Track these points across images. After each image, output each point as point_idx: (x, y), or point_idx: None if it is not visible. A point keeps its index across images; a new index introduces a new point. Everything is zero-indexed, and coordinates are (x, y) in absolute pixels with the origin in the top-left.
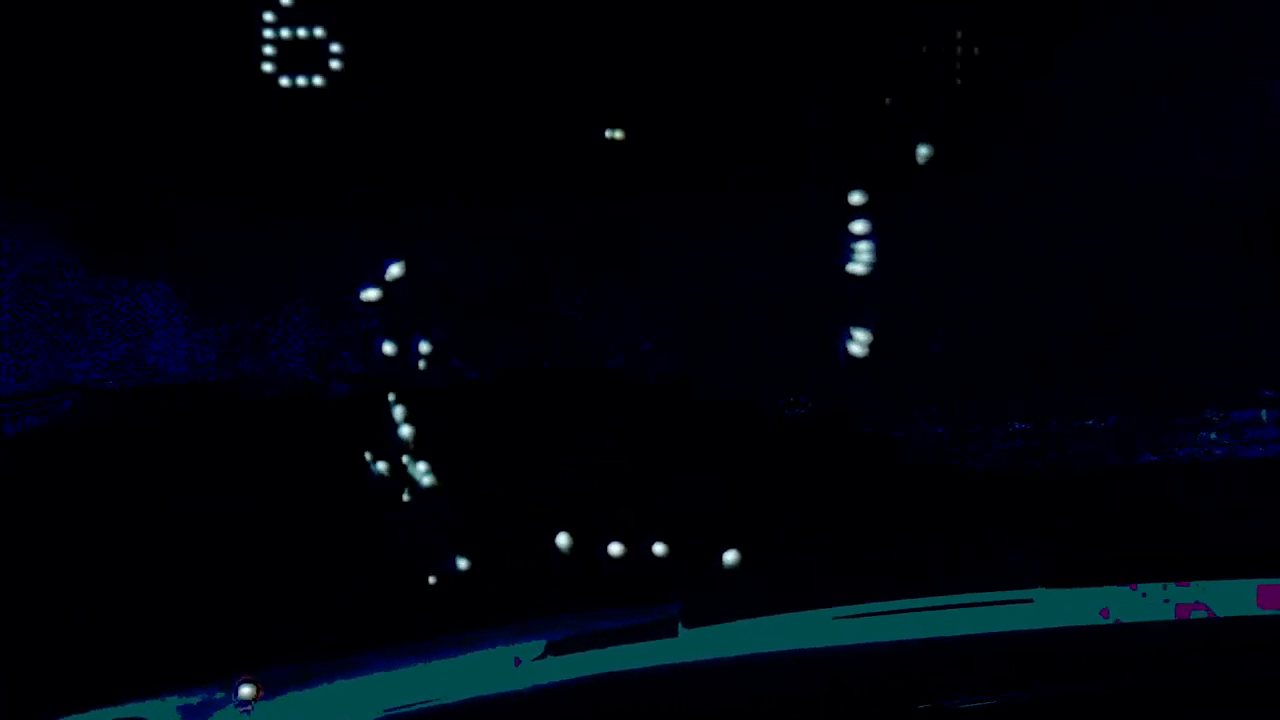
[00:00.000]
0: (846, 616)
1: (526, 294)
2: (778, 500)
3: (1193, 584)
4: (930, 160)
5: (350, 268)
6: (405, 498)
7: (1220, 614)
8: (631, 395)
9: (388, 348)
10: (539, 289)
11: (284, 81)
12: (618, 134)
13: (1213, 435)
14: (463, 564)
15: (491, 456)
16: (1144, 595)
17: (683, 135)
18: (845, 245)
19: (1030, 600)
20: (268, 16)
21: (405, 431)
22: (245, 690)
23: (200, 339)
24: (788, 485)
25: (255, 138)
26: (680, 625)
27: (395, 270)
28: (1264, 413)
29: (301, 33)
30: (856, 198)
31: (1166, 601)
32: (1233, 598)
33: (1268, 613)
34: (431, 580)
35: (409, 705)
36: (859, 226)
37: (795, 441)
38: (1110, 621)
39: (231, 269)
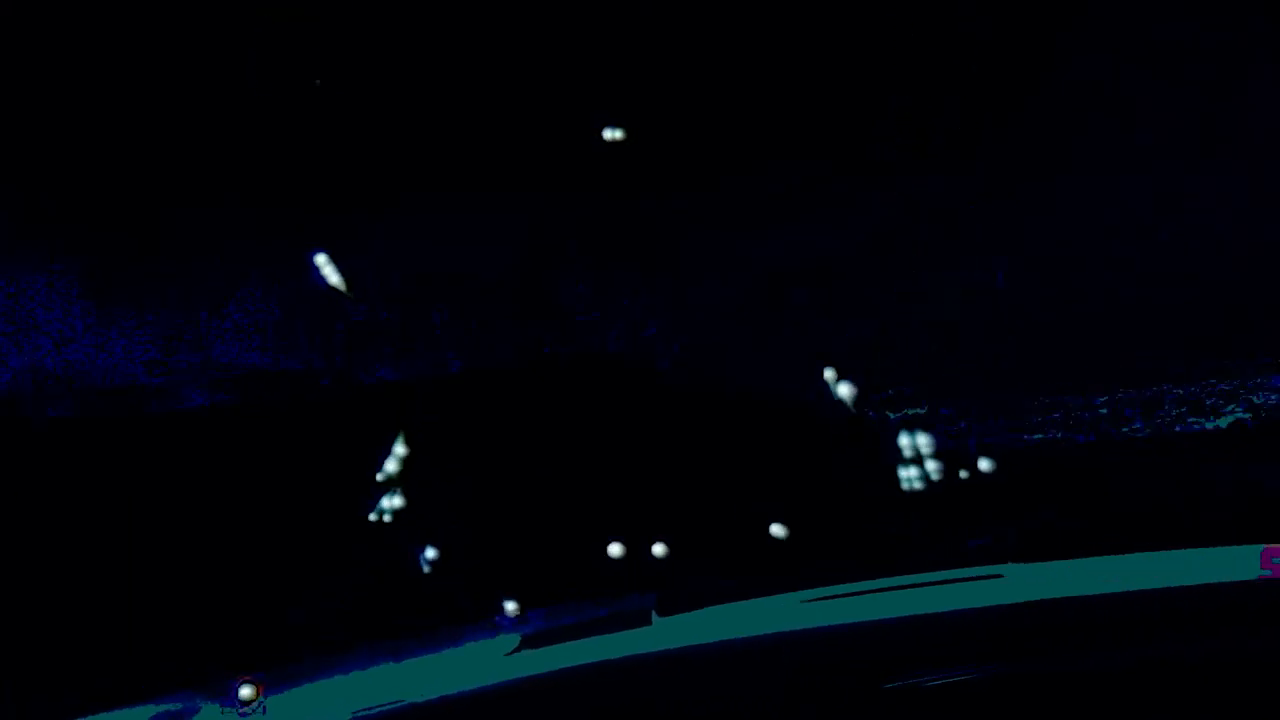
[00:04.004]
0: (817, 599)
1: (524, 284)
2: (751, 488)
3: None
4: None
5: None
6: (368, 498)
7: None
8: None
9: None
10: (538, 279)
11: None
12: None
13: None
14: (437, 562)
15: (467, 452)
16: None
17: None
18: (842, 236)
19: (1000, 576)
20: None
21: (368, 432)
22: (245, 691)
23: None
24: (759, 474)
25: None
26: (654, 614)
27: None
28: None
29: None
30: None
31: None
32: None
33: None
34: (403, 580)
35: (377, 706)
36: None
37: (773, 431)
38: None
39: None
